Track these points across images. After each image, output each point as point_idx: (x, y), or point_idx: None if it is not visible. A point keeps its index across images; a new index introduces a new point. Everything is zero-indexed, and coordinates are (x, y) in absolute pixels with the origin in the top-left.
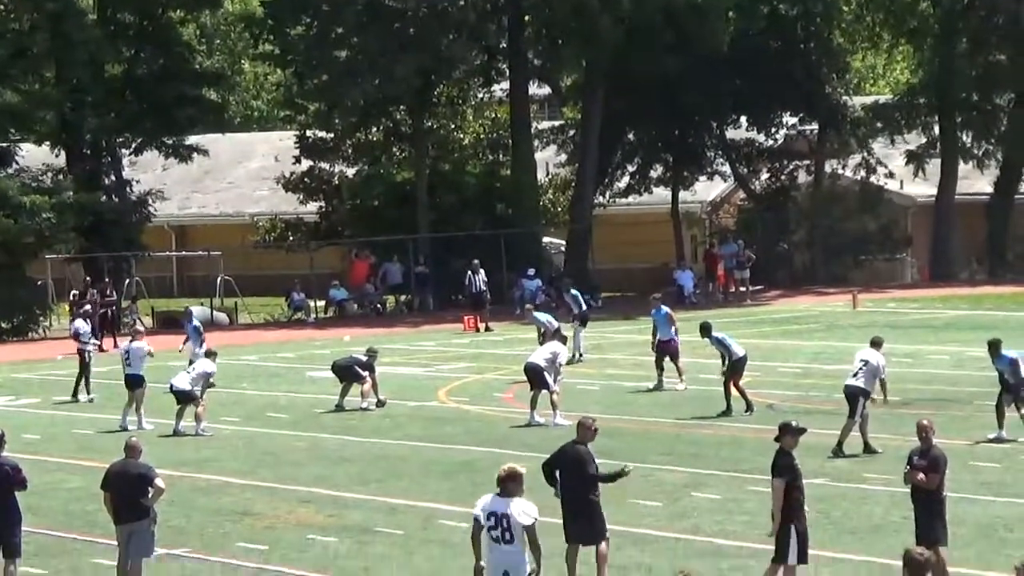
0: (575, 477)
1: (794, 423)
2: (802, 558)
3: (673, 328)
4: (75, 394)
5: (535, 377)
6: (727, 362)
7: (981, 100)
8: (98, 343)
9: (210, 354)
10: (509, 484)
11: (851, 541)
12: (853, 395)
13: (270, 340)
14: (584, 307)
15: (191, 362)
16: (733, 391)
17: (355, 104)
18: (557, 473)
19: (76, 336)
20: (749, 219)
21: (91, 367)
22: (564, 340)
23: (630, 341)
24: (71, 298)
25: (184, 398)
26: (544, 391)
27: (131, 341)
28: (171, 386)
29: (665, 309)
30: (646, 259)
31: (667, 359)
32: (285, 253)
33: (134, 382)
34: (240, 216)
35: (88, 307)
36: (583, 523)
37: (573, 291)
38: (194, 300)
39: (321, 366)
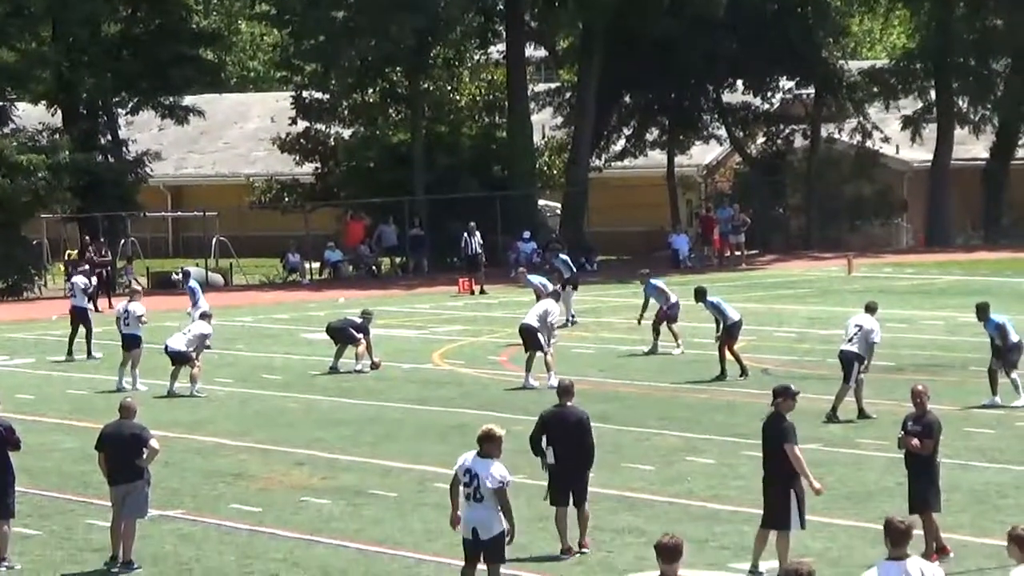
0: (573, 438)
1: (792, 387)
2: (802, 523)
3: (671, 297)
4: (70, 352)
5: (529, 338)
6: (722, 326)
7: (978, 65)
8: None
9: (205, 316)
10: (486, 445)
11: (846, 506)
12: (848, 360)
13: (265, 301)
14: (574, 271)
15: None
16: (728, 355)
17: (351, 64)
18: (545, 440)
19: (72, 292)
20: (745, 183)
21: (92, 325)
22: (557, 298)
23: (626, 304)
24: (66, 257)
25: (179, 359)
26: (539, 352)
27: (129, 301)
28: (166, 347)
29: (655, 282)
30: (642, 223)
31: (664, 324)
32: (280, 214)
33: (130, 342)
34: (236, 177)
35: (86, 265)
36: (576, 483)
37: (562, 255)
38: (189, 261)
39: (316, 328)
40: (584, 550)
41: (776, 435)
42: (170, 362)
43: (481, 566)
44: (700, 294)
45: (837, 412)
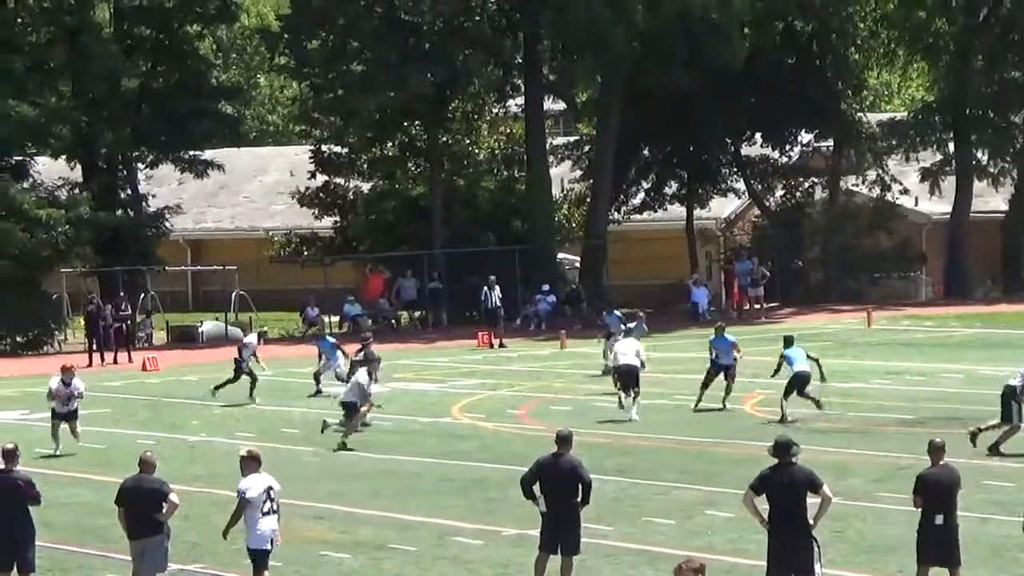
0: (569, 486)
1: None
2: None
3: (736, 354)
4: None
5: (631, 378)
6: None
7: (996, 118)
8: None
9: (362, 363)
10: (253, 463)
11: (865, 561)
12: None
13: (285, 355)
14: (624, 327)
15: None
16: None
17: (370, 115)
18: (537, 486)
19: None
20: (763, 236)
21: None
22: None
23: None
24: (86, 311)
25: (350, 409)
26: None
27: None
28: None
29: (731, 338)
30: (661, 275)
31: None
32: (300, 268)
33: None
34: (255, 231)
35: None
36: (566, 533)
37: (616, 312)
38: (209, 315)
39: (334, 382)
40: None
41: (812, 483)
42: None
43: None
44: (788, 342)
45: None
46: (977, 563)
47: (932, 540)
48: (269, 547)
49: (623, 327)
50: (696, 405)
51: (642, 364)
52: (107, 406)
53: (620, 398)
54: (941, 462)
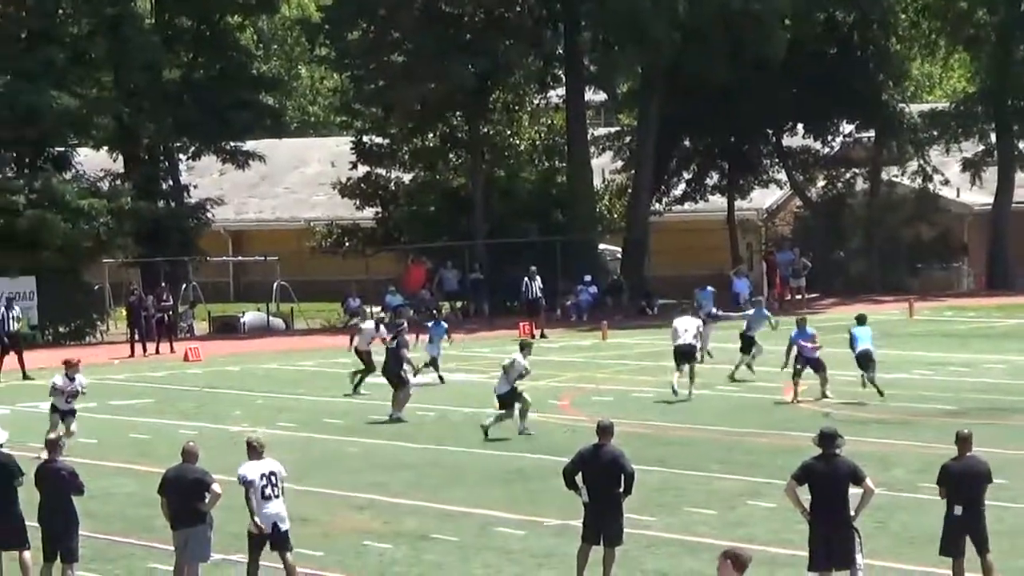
0: (611, 477)
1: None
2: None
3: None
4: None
5: (689, 357)
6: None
7: None
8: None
9: (524, 346)
10: (259, 448)
11: (909, 552)
12: None
13: (326, 346)
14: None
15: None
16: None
17: (411, 106)
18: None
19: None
20: (805, 227)
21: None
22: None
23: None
24: (127, 302)
25: (507, 399)
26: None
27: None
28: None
29: (811, 330)
30: (702, 266)
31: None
32: (341, 259)
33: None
34: (296, 221)
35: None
36: (609, 524)
37: (710, 288)
38: (250, 305)
39: (376, 372)
40: None
41: (855, 475)
42: (498, 405)
43: None
44: (860, 320)
45: None
46: (1020, 553)
47: (952, 531)
48: (270, 531)
49: (715, 310)
50: (795, 398)
51: (701, 339)
52: (150, 396)
53: (674, 381)
54: (968, 453)
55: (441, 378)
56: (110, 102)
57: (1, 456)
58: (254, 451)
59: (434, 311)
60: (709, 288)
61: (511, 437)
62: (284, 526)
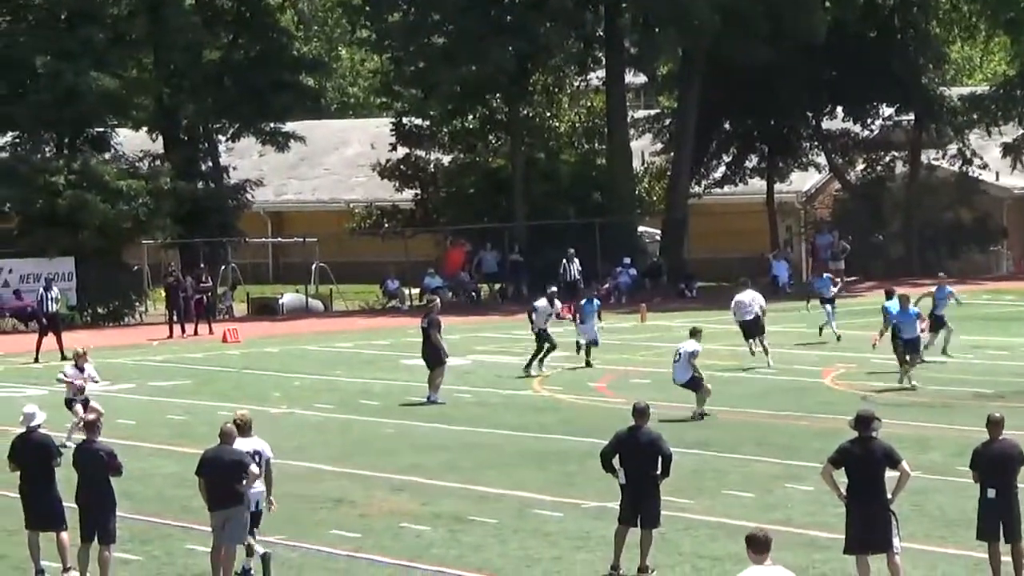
0: (648, 459)
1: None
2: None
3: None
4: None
5: (756, 328)
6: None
7: None
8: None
9: (694, 332)
10: (246, 427)
11: (946, 535)
12: None
13: (364, 327)
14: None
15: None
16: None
17: (451, 88)
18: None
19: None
20: (844, 210)
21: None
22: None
23: (726, 331)
24: (166, 283)
25: (692, 386)
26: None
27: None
28: (674, 380)
29: (915, 310)
30: (741, 249)
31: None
32: (380, 240)
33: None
34: (336, 203)
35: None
36: (646, 506)
37: (827, 275)
38: (290, 287)
39: (414, 354)
40: (649, 574)
41: (892, 457)
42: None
43: None
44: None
45: None
46: None
47: (986, 515)
48: (253, 508)
49: (833, 290)
50: (904, 380)
51: (763, 312)
52: (188, 377)
53: (751, 347)
54: (1000, 436)
55: (589, 363)
56: (150, 83)
57: (39, 436)
58: (240, 430)
59: (590, 288)
60: (826, 275)
61: (548, 422)
62: (262, 505)
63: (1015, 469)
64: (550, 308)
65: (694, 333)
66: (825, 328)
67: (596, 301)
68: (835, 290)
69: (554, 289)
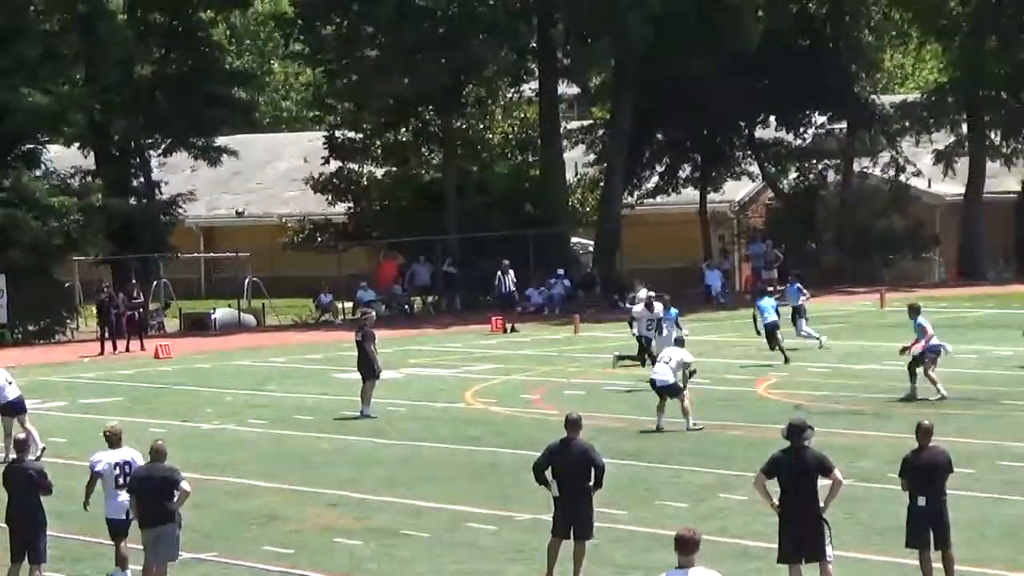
0: (580, 470)
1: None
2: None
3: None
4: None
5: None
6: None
7: (1010, 98)
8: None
9: (680, 341)
10: (115, 439)
11: (879, 542)
12: None
13: (297, 342)
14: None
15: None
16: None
17: (384, 101)
18: (549, 472)
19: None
20: (777, 219)
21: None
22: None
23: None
24: (98, 300)
25: (669, 392)
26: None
27: None
28: (653, 382)
29: (921, 320)
30: (675, 259)
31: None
32: (313, 254)
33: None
34: (268, 217)
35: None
36: (579, 517)
37: (797, 284)
38: (222, 302)
39: (348, 368)
40: None
41: (824, 466)
42: (657, 396)
43: None
44: (914, 311)
45: None
46: (992, 544)
47: (916, 522)
48: (125, 518)
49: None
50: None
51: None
52: (120, 395)
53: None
54: (929, 444)
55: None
56: (81, 98)
57: None
58: (110, 442)
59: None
60: (797, 284)
61: (482, 435)
62: (131, 516)
63: (944, 477)
64: (649, 313)
65: (680, 343)
66: (808, 340)
67: (674, 310)
68: (803, 299)
69: (652, 294)
